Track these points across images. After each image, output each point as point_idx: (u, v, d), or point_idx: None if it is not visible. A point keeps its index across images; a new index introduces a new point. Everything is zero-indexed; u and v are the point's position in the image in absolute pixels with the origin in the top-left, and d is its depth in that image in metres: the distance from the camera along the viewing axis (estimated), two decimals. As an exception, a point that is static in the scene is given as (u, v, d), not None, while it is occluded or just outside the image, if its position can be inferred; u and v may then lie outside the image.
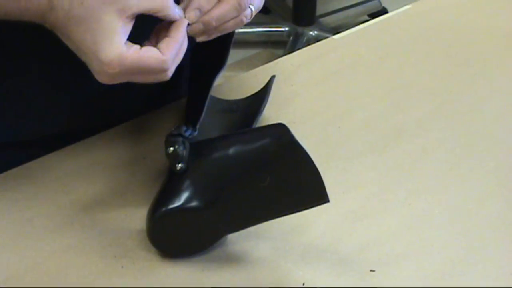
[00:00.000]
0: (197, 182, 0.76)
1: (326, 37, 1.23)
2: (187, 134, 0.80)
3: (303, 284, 0.76)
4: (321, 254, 0.79)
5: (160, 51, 0.75)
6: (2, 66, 0.88)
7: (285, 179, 0.76)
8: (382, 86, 1.09)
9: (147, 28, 0.79)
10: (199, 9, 0.80)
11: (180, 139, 0.78)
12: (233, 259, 0.78)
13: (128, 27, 0.74)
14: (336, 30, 2.79)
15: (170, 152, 0.77)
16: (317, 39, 2.69)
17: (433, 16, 1.27)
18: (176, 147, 0.77)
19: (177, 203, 0.75)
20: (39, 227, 0.81)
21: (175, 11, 0.77)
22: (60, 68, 0.89)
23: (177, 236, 0.77)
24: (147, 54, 0.74)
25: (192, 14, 0.79)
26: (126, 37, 0.74)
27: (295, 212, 0.77)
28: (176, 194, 0.76)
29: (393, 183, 0.90)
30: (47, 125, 0.96)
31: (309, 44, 1.20)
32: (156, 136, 0.92)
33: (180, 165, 0.77)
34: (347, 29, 1.22)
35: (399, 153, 0.95)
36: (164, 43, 0.76)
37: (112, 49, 0.72)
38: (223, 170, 0.77)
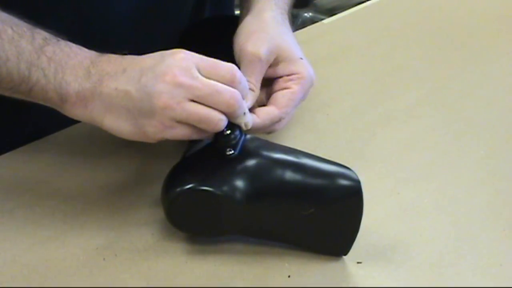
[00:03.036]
0: (245, 177, 0.73)
1: (322, 19, 1.21)
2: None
3: (289, 276, 0.75)
4: (307, 246, 0.78)
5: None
6: None
7: (327, 218, 0.74)
8: (371, 72, 1.07)
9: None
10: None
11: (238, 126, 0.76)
12: (217, 251, 0.77)
13: None
14: (332, 12, 2.77)
15: (226, 134, 0.74)
16: (313, 21, 2.66)
17: (423, 1, 1.25)
18: (234, 132, 0.74)
19: (223, 187, 0.72)
20: (20, 218, 0.80)
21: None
22: None
23: (197, 214, 0.74)
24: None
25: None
26: None
27: (308, 251, 0.77)
28: (223, 178, 0.73)
29: (381, 172, 0.89)
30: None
31: (304, 26, 1.19)
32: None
33: (231, 151, 0.74)
34: (342, 11, 1.20)
35: (387, 141, 0.94)
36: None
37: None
38: (275, 182, 0.73)
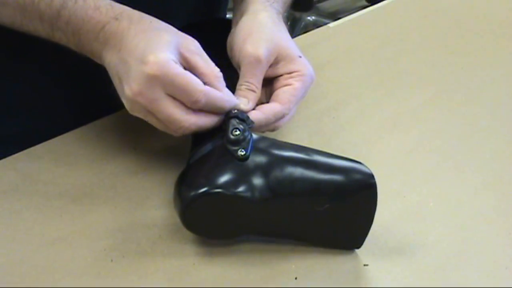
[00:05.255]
0: (259, 177, 0.73)
1: (325, 23, 1.22)
2: (249, 121, 0.78)
3: (296, 278, 0.75)
4: (314, 248, 0.78)
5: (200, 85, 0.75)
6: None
7: (342, 213, 0.75)
8: (376, 75, 1.07)
9: None
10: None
11: (246, 125, 0.76)
12: (225, 253, 0.77)
13: (178, 62, 0.75)
14: (334, 16, 2.77)
15: (235, 135, 0.75)
16: (315, 25, 2.67)
17: (428, 4, 1.25)
18: (243, 132, 0.75)
19: (238, 188, 0.72)
20: (28, 219, 0.80)
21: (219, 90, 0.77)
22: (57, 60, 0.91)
23: (213, 216, 0.74)
24: (189, 75, 0.74)
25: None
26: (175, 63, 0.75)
27: (323, 246, 0.78)
28: (237, 179, 0.73)
29: (387, 175, 0.89)
30: (37, 115, 0.97)
31: (307, 30, 1.19)
32: (147, 127, 0.90)
33: (243, 152, 0.74)
34: (345, 15, 1.21)
35: (393, 144, 0.94)
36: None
37: (162, 54, 0.73)
38: (289, 180, 0.73)
